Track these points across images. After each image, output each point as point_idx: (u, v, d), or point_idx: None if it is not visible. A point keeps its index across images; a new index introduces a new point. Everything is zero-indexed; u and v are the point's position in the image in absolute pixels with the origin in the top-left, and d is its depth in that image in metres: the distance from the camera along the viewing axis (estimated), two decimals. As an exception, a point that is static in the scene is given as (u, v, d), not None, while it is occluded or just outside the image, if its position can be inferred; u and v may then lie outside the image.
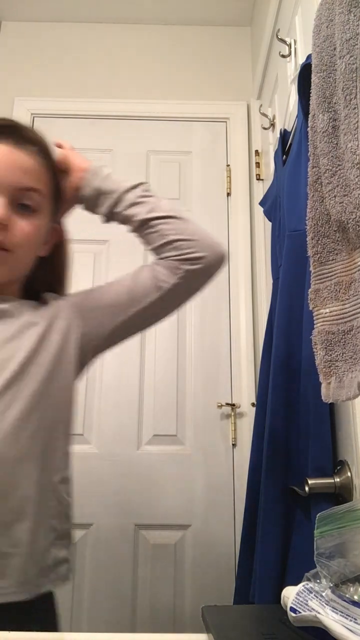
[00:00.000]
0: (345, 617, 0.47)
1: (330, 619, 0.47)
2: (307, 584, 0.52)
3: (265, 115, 1.88)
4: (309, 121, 0.69)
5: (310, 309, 0.67)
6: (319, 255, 0.66)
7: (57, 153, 0.84)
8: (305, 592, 0.51)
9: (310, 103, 0.68)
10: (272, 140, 1.79)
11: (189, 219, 0.84)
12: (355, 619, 0.46)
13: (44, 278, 0.86)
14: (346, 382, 0.59)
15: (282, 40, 1.51)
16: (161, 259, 0.82)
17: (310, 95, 0.68)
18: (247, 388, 1.85)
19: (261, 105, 2.04)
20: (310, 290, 0.67)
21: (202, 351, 1.89)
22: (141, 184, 0.85)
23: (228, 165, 2.11)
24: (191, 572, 1.67)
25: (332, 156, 0.62)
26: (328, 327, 0.63)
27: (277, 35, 1.56)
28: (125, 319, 0.82)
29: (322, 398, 0.64)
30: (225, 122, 2.17)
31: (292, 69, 1.46)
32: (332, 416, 0.92)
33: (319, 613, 0.48)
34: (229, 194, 2.07)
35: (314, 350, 0.66)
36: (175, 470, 1.76)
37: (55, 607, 0.78)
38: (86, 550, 1.66)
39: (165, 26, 2.29)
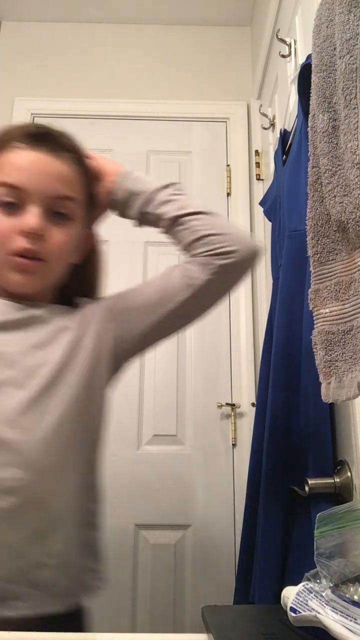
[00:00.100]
0: (345, 617, 0.47)
1: (330, 619, 0.47)
2: (307, 584, 0.52)
3: (265, 115, 1.87)
4: (309, 121, 0.69)
5: (310, 309, 0.67)
6: (319, 255, 0.66)
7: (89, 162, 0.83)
8: (305, 592, 0.51)
9: (310, 103, 0.68)
10: (272, 140, 1.79)
11: (220, 215, 0.82)
12: (355, 619, 0.46)
13: (77, 284, 0.85)
14: (346, 382, 0.59)
15: (282, 40, 1.51)
16: (193, 256, 0.80)
17: (310, 95, 0.68)
18: (247, 388, 1.84)
19: (261, 105, 2.03)
20: (310, 290, 0.67)
21: (202, 351, 1.89)
22: (172, 183, 0.84)
23: (228, 165, 2.11)
24: (191, 572, 1.67)
25: (332, 156, 0.62)
26: (328, 327, 0.63)
27: (277, 35, 1.56)
28: (156, 320, 0.80)
29: (322, 398, 0.64)
30: (225, 122, 2.16)
31: (292, 69, 1.46)
32: (332, 416, 0.92)
33: (319, 613, 0.48)
34: (229, 194, 2.07)
35: (314, 350, 0.66)
36: (175, 470, 1.76)
37: (86, 622, 0.75)
38: (86, 550, 1.66)
39: (165, 26, 2.29)
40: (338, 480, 0.86)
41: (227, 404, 1.82)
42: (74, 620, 0.72)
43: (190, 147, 2.12)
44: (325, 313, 0.64)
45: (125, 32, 2.28)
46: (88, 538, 0.74)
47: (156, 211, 0.82)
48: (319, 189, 0.66)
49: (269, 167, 1.82)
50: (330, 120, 0.63)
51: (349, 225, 0.59)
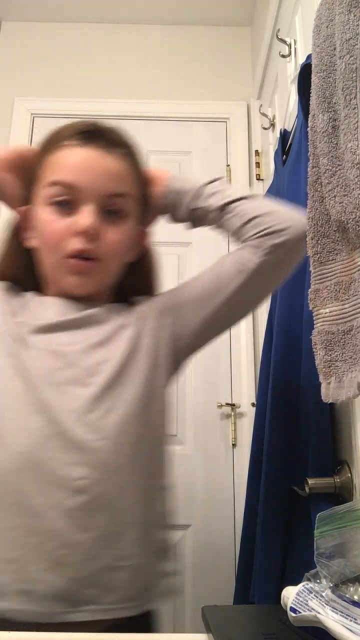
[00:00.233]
0: (345, 617, 0.47)
1: (330, 619, 0.47)
2: (307, 584, 0.52)
3: (265, 115, 1.87)
4: (309, 121, 0.69)
5: (310, 309, 0.67)
6: (318, 255, 0.66)
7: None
8: (305, 592, 0.51)
9: (310, 103, 0.68)
10: (272, 140, 1.79)
11: (265, 197, 0.82)
12: (355, 619, 0.46)
13: (132, 283, 0.84)
14: (346, 382, 0.59)
15: (282, 40, 1.51)
16: (244, 241, 0.78)
17: (310, 95, 0.68)
18: (247, 388, 1.84)
19: (261, 105, 2.03)
20: (310, 290, 0.67)
21: (202, 351, 1.88)
22: (217, 178, 0.84)
23: (228, 165, 2.11)
24: (191, 572, 1.67)
25: (332, 156, 0.62)
26: (328, 327, 0.63)
27: (277, 35, 1.56)
28: (212, 312, 0.78)
29: (322, 398, 0.64)
30: (225, 122, 2.16)
31: (292, 69, 1.46)
32: (332, 416, 0.92)
33: (319, 613, 0.48)
34: (229, 194, 2.07)
35: (314, 350, 0.66)
36: (175, 470, 1.76)
37: (155, 625, 0.73)
38: (86, 550, 1.66)
39: (165, 26, 2.29)
40: (338, 480, 0.86)
41: (227, 404, 1.82)
42: (144, 623, 0.70)
43: (190, 147, 2.12)
44: (325, 313, 0.64)
45: (125, 32, 2.28)
46: (159, 540, 0.73)
47: (204, 205, 0.81)
48: (318, 189, 0.66)
49: (269, 167, 1.82)
50: (330, 120, 0.63)
51: (349, 225, 0.59)
